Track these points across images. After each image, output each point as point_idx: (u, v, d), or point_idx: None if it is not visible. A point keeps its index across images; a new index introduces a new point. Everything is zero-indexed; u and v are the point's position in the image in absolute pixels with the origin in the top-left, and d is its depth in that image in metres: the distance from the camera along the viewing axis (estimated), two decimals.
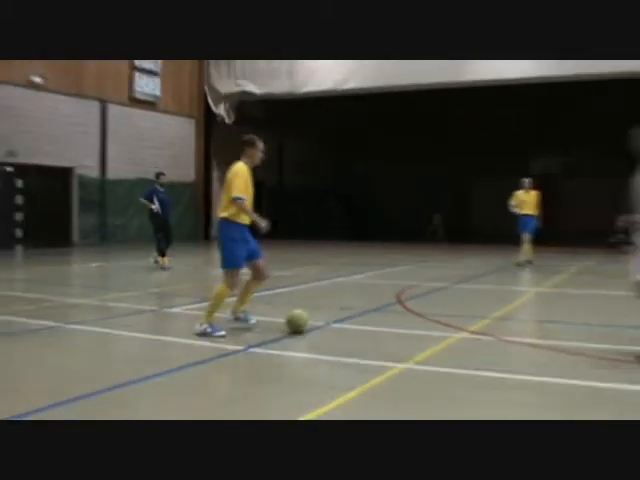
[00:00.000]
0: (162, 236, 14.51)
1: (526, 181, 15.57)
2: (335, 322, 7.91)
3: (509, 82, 20.29)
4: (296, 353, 6.47)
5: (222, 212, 7.15)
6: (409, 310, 8.93)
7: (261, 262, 7.37)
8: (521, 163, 26.18)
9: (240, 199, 6.98)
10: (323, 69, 21.59)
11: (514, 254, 15.81)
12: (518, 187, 15.61)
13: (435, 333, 7.24)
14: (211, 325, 7.01)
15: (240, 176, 7.06)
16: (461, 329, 7.46)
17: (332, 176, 32.47)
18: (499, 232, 22.65)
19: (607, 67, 17.19)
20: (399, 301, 9.70)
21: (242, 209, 7.03)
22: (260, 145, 7.25)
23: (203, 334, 6.93)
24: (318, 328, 7.53)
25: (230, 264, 7.09)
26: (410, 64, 18.36)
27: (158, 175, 14.88)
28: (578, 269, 15.52)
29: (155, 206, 14.41)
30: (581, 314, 9.04)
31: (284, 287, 11.13)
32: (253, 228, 7.14)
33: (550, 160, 26.63)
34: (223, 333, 6.97)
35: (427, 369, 5.78)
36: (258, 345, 6.56)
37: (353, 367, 5.80)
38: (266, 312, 8.32)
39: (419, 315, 8.51)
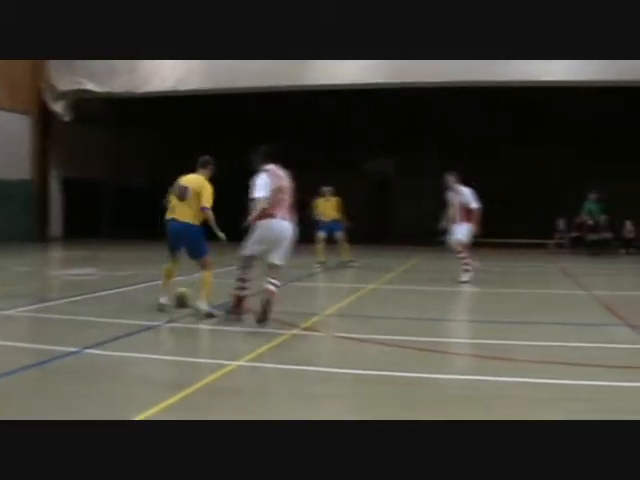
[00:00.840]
0: None
1: (326, 189, 16.51)
2: (171, 321, 8.13)
3: (345, 87, 21.10)
4: (131, 353, 6.58)
5: (189, 219, 8.36)
6: (248, 309, 9.28)
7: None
8: (353, 163, 27.28)
9: (207, 209, 8.26)
10: (164, 68, 21.45)
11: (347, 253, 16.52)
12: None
13: (269, 330, 7.64)
14: (212, 306, 8.36)
15: (208, 188, 8.35)
16: (294, 326, 7.93)
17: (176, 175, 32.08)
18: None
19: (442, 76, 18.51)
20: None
21: (208, 218, 8.30)
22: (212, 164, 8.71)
23: (210, 315, 8.24)
24: (153, 328, 7.75)
25: (206, 252, 8.50)
26: (243, 65, 18.73)
27: None
28: (406, 267, 16.54)
29: None
30: (402, 309, 9.77)
31: (118, 288, 11.24)
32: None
33: (384, 160, 27.76)
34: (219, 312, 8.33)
35: (260, 365, 6.18)
36: (93, 346, 6.60)
37: (188, 365, 6.09)
38: (102, 313, 8.45)
39: (253, 313, 8.88)
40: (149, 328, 7.70)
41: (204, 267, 8.56)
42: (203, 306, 8.36)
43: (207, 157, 8.76)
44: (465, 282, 12.23)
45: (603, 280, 14.50)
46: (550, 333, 7.80)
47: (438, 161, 22.93)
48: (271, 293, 7.73)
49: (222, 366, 5.91)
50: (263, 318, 7.67)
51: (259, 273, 8.34)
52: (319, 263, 15.33)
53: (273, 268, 7.87)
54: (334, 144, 26.97)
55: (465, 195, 12.57)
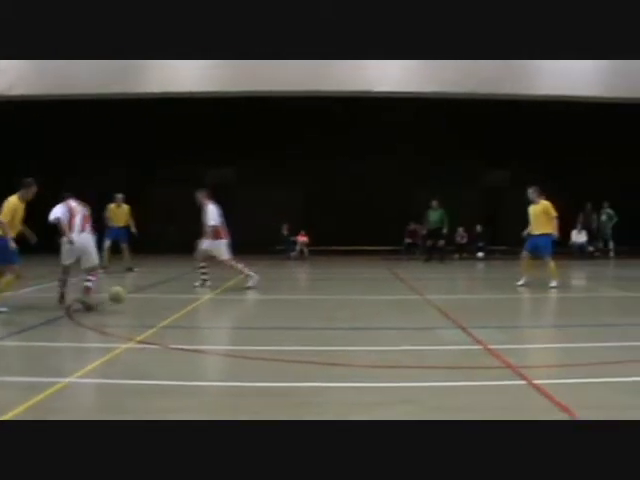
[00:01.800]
0: None
1: (119, 196, 17.46)
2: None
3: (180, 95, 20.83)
4: None
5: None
6: (79, 323, 8.92)
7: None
8: (196, 172, 26.91)
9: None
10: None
11: (185, 264, 16.31)
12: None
13: (103, 345, 7.36)
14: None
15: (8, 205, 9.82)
16: (128, 339, 7.68)
17: None
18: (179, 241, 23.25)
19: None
20: (68, 314, 9.62)
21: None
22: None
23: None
24: None
25: (14, 260, 9.73)
26: (75, 69, 18.05)
27: None
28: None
29: None
30: (242, 319, 9.76)
31: None
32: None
33: (225, 170, 27.60)
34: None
35: (92, 381, 5.92)
36: None
37: (15, 386, 5.74)
38: None
39: (88, 328, 8.55)
40: None
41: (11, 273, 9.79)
42: None
43: (28, 179, 10.19)
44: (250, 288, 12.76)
45: (436, 285, 15.18)
46: (386, 338, 8.05)
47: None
48: (88, 290, 10.13)
49: (51, 384, 5.58)
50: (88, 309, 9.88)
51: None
52: (103, 268, 15.24)
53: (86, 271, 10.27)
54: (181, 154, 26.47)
55: (209, 212, 13.16)
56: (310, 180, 26.11)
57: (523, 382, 5.65)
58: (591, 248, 23.23)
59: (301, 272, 19.72)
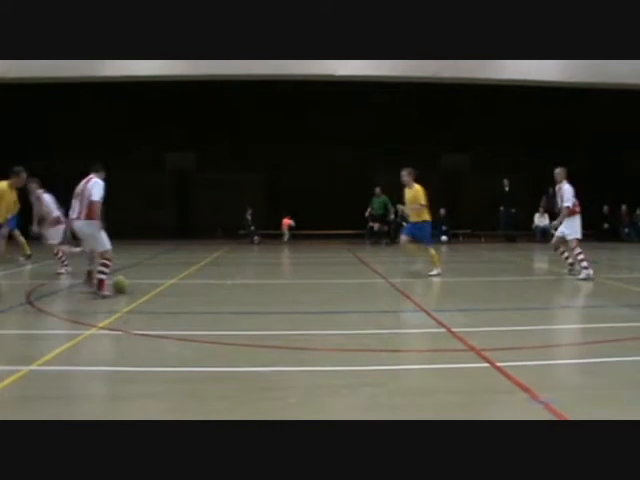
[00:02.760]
0: None
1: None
2: None
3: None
4: None
5: None
6: (40, 309, 8.80)
7: None
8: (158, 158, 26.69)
9: None
10: None
11: (147, 249, 16.21)
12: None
13: (65, 331, 7.27)
14: None
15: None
16: (91, 325, 7.59)
17: None
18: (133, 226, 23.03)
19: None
20: (29, 301, 9.48)
21: None
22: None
23: None
24: None
25: None
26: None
27: None
28: (208, 261, 16.48)
29: None
30: (206, 304, 9.72)
31: None
32: None
33: (185, 156, 27.39)
34: None
35: (54, 369, 5.83)
36: None
37: None
38: None
39: (50, 314, 8.44)
40: None
41: None
42: None
43: (18, 167, 10.73)
44: None
45: (398, 268, 15.25)
46: (351, 322, 8.09)
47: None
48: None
49: (11, 372, 5.49)
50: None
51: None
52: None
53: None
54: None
55: (48, 202, 13.52)
56: (271, 165, 26.11)
57: (486, 364, 5.72)
58: (553, 231, 23.52)
59: (264, 257, 19.68)
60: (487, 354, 6.03)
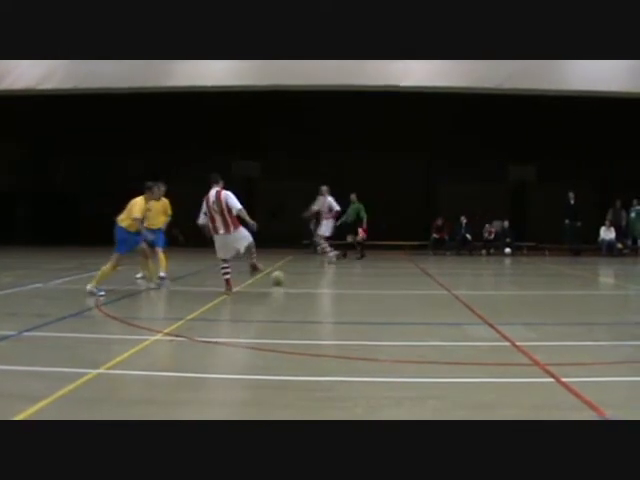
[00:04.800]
0: None
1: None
2: (28, 330, 7.76)
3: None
4: None
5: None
6: (107, 315, 9.03)
7: None
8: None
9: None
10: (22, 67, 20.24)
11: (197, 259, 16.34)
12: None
13: (132, 337, 7.42)
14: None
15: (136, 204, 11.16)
16: (156, 331, 7.74)
17: (30, 178, 30.44)
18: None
19: None
20: (97, 306, 9.73)
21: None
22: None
23: (92, 293, 10.49)
24: (9, 337, 7.35)
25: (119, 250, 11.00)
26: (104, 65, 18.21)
27: None
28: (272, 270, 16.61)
29: None
30: (269, 312, 9.79)
31: None
32: None
33: (249, 164, 27.71)
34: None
35: (122, 373, 5.98)
36: None
37: (44, 376, 5.80)
38: None
39: (117, 319, 8.65)
40: (4, 338, 7.27)
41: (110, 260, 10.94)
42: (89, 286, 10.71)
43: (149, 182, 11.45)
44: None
45: (462, 281, 15.12)
46: (413, 333, 8.04)
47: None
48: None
49: (80, 375, 5.66)
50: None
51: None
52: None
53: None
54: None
55: None
56: (334, 173, 26.15)
57: (551, 379, 5.62)
58: (619, 245, 23.01)
59: (327, 267, 19.70)
60: (552, 369, 5.92)
